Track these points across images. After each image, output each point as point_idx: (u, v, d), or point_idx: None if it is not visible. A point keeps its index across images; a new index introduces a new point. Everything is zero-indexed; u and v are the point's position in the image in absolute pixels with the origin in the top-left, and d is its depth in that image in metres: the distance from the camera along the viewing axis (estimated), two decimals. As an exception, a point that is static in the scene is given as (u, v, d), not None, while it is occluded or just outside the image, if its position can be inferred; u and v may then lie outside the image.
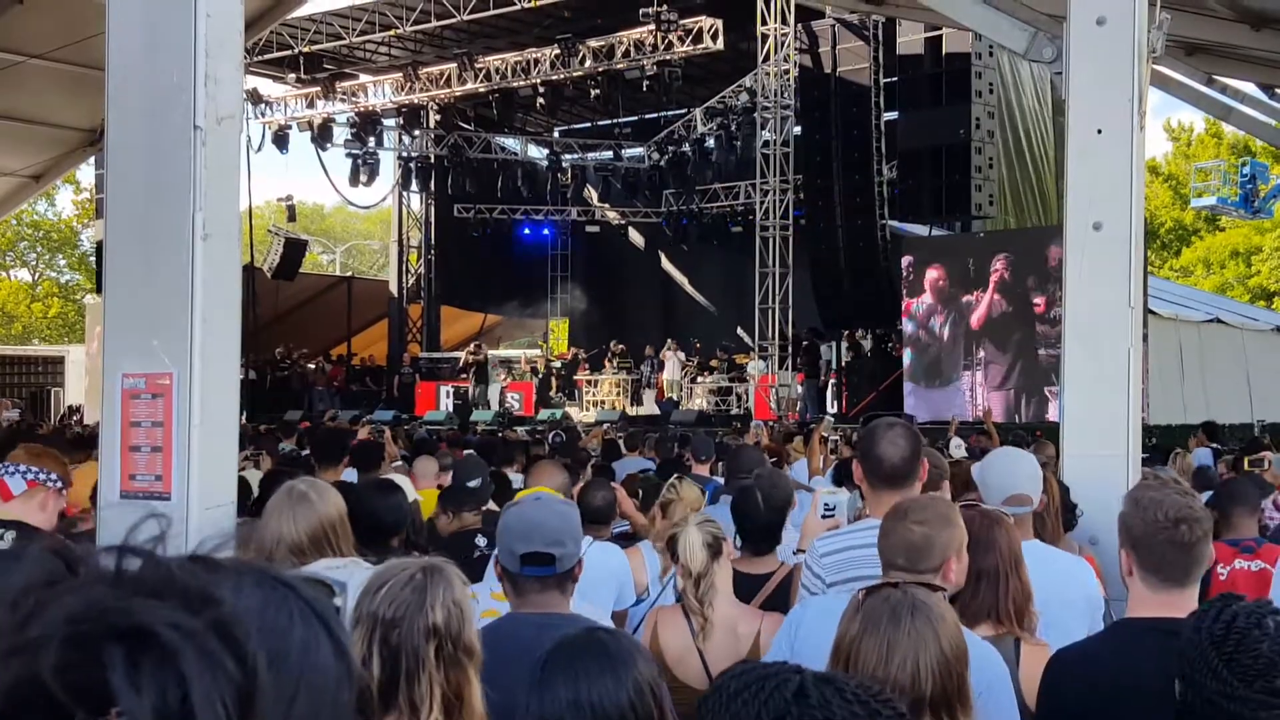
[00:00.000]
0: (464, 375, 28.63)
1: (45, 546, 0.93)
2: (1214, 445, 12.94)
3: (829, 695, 1.35)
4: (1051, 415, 19.87)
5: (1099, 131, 6.19)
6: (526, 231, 34.18)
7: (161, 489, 4.28)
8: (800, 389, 25.34)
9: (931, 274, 22.23)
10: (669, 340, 28.62)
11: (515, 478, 7.90)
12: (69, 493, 4.66)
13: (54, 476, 4.37)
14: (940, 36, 21.62)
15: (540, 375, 29.74)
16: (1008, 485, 4.27)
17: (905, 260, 23.19)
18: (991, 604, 3.42)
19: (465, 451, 10.01)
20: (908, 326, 22.58)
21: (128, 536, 0.92)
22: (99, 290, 25.76)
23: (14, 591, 0.88)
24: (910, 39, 22.51)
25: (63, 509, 4.23)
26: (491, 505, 6.52)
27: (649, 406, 26.90)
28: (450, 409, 26.07)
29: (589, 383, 29.43)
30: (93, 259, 35.49)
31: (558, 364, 31.04)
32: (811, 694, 1.34)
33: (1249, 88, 12.60)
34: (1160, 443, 13.37)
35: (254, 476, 7.95)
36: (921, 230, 25.02)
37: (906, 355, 22.68)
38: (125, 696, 0.80)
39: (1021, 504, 4.23)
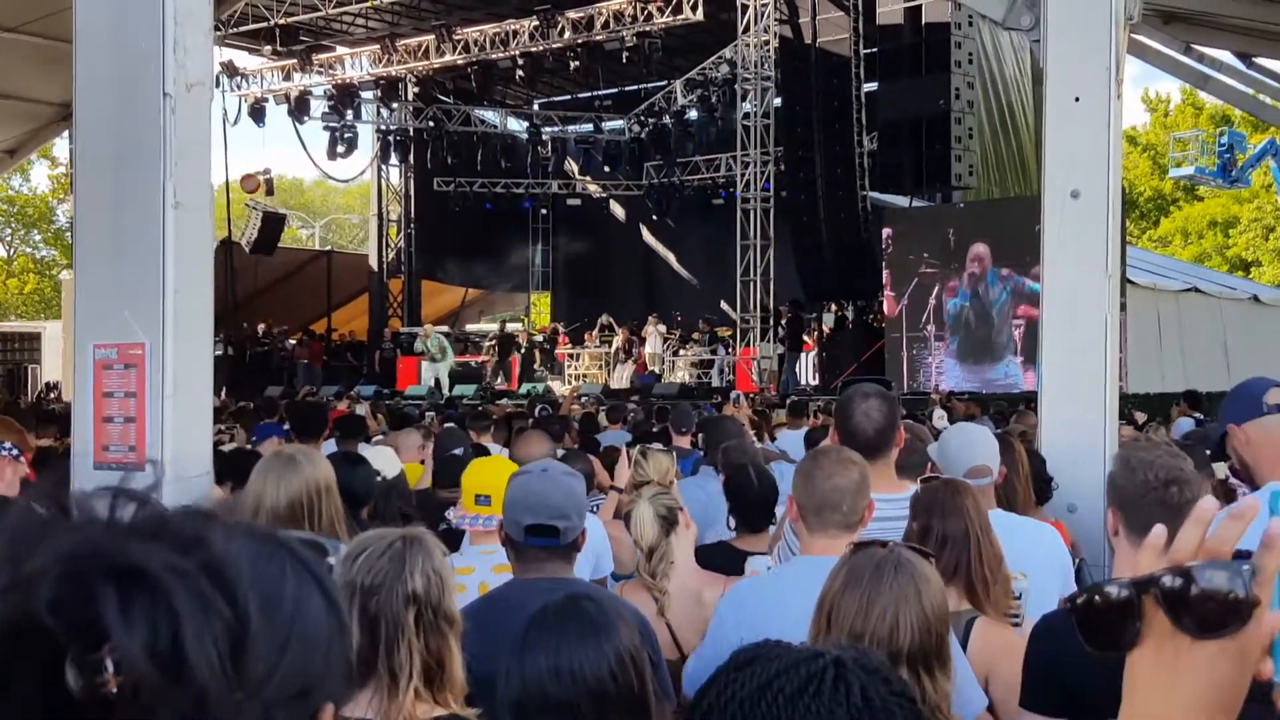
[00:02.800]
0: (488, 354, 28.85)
1: (40, 491, 0.95)
2: (1196, 415, 12.98)
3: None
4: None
5: (1076, 99, 6.18)
6: (507, 205, 34.04)
7: (135, 459, 4.25)
8: (782, 360, 25.38)
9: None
10: (651, 314, 28.61)
11: (494, 448, 7.90)
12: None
13: (8, 445, 4.31)
14: (920, 7, 21.59)
15: (523, 349, 29.69)
16: (966, 458, 4.28)
17: (885, 232, 23.17)
18: (962, 566, 3.44)
19: (445, 424, 10.03)
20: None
21: (122, 483, 0.94)
22: (74, 269, 25.54)
23: (10, 531, 0.90)
24: (890, 9, 22.45)
25: (25, 475, 4.18)
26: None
27: (624, 382, 26.84)
28: (431, 383, 26.02)
29: (571, 356, 29.39)
30: (68, 234, 35.29)
31: (539, 338, 31.01)
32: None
33: (1226, 56, 12.59)
34: (1138, 411, 13.41)
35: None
36: (902, 201, 25.03)
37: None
38: (117, 632, 0.82)
39: (981, 475, 4.25)
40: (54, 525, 0.90)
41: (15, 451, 4.44)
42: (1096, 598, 1.19)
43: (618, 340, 28.27)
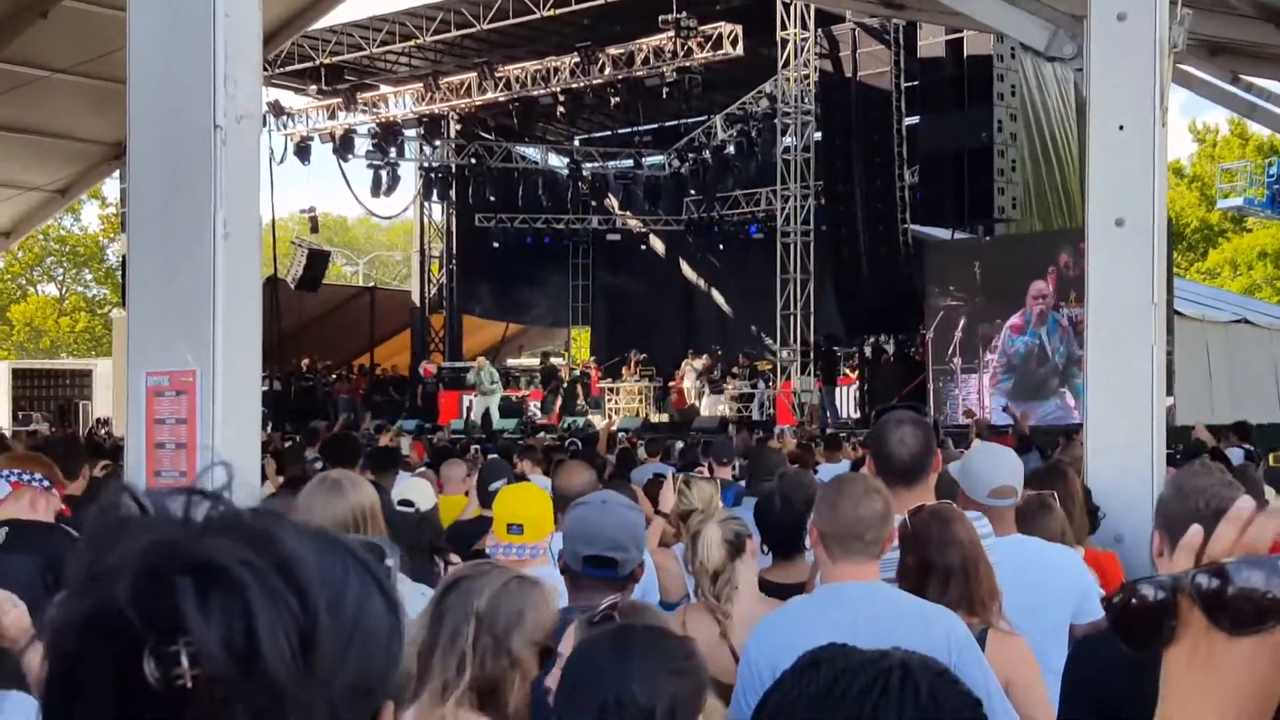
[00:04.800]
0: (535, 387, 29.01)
1: (119, 488, 0.98)
2: (1246, 446, 12.82)
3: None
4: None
5: (1120, 127, 6.17)
6: (547, 241, 34.21)
7: (186, 485, 4.29)
8: (820, 394, 25.31)
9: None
10: (689, 351, 28.64)
11: (536, 478, 7.92)
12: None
13: (38, 477, 4.36)
14: (961, 39, 21.54)
15: (565, 384, 29.77)
16: (992, 478, 4.26)
17: (929, 263, 23.09)
18: (965, 595, 3.44)
19: (490, 457, 10.07)
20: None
21: (196, 481, 0.98)
22: (125, 304, 25.84)
23: (90, 528, 0.94)
24: (931, 42, 22.43)
25: (60, 510, 4.23)
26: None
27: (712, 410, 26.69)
28: (480, 416, 26.12)
29: (610, 390, 29.43)
30: (119, 273, 35.75)
31: (577, 372, 31.10)
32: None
33: (1275, 86, 12.54)
34: (1187, 444, 13.24)
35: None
36: (944, 234, 24.96)
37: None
38: (195, 625, 0.85)
39: (1006, 496, 4.25)
40: (132, 522, 0.93)
41: (47, 483, 4.50)
42: (1133, 598, 1.20)
43: (690, 371, 28.08)
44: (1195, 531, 1.23)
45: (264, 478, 8.82)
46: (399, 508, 5.34)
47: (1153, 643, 1.20)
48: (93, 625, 0.87)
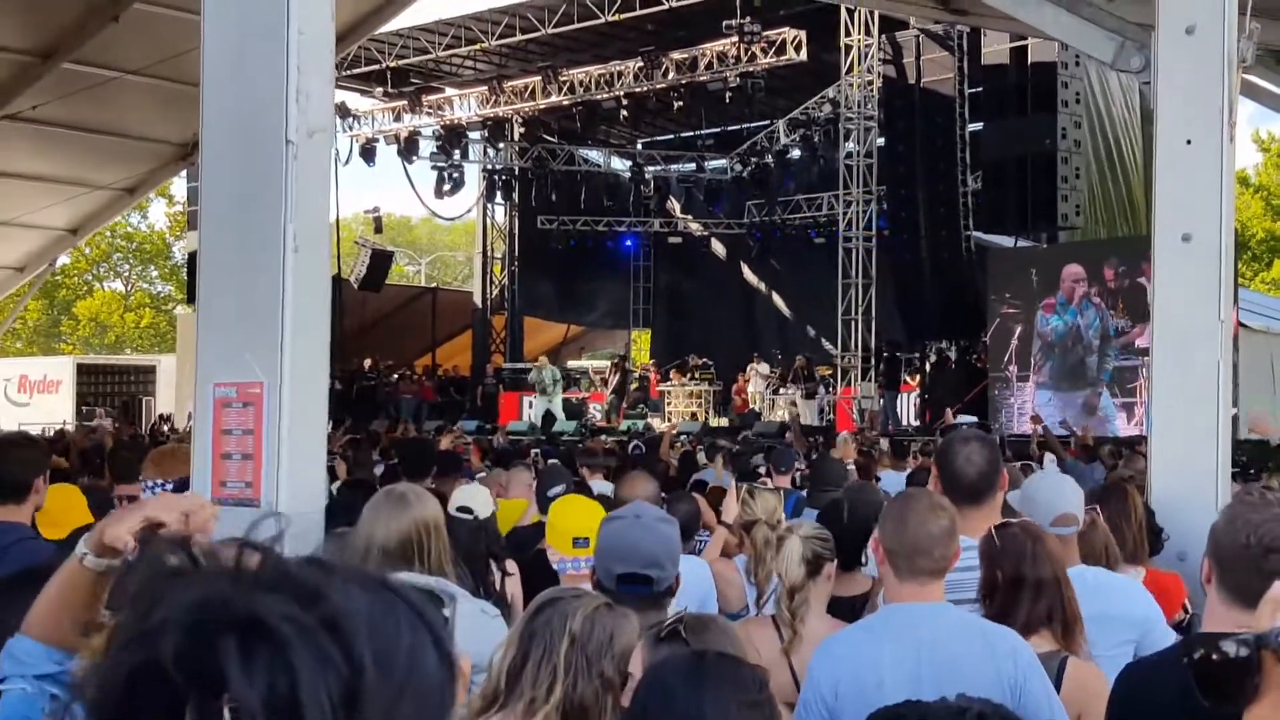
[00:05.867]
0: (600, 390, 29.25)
1: (169, 540, 0.99)
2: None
3: None
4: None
5: (1188, 142, 6.10)
6: (609, 243, 34.30)
7: (251, 495, 4.37)
8: (881, 401, 25.17)
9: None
10: (754, 355, 28.60)
11: (598, 485, 7.93)
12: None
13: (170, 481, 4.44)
14: (1026, 46, 21.35)
15: (628, 387, 29.83)
16: (1056, 505, 4.22)
17: (991, 270, 22.94)
18: (1056, 611, 3.43)
19: (550, 462, 10.09)
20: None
21: (248, 533, 0.97)
22: (190, 301, 26.13)
23: (139, 580, 0.94)
24: (995, 49, 22.25)
25: None
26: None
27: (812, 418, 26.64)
28: (541, 417, 26.23)
29: (666, 393, 29.44)
30: (184, 270, 36.19)
31: (637, 374, 31.14)
32: None
33: (1345, 96, 12.31)
34: (1252, 459, 13.06)
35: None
36: (1007, 242, 24.76)
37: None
38: (237, 684, 0.85)
39: (1068, 524, 4.21)
40: (182, 575, 0.93)
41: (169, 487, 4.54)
42: (1214, 653, 1.19)
43: (756, 375, 27.99)
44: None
45: (334, 477, 8.94)
46: (457, 514, 5.37)
47: (1235, 698, 1.19)
48: (139, 680, 0.87)
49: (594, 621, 2.69)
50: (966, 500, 3.95)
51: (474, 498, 5.57)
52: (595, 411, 28.75)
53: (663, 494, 6.36)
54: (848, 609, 4.49)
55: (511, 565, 5.29)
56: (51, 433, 19.48)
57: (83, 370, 35.22)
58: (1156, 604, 4.11)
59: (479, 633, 3.37)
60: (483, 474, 9.22)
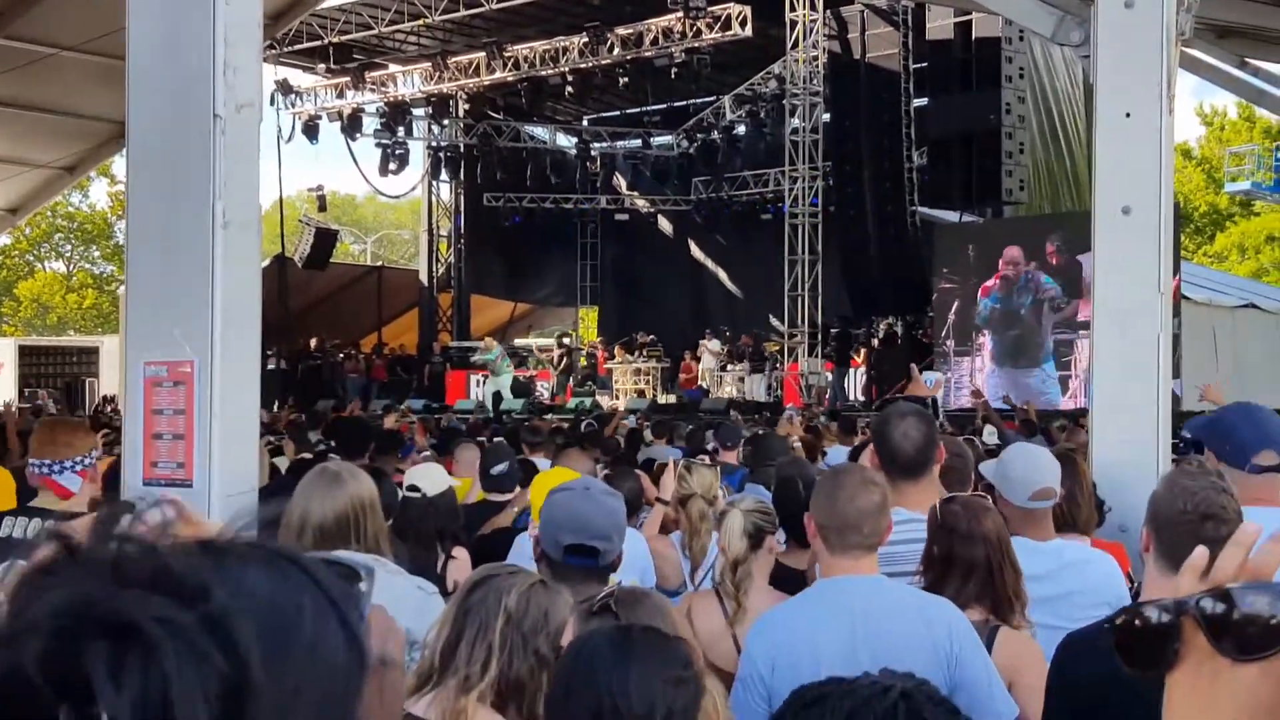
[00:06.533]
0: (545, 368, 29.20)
1: (47, 532, 0.91)
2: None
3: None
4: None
5: (1127, 115, 6.13)
6: (556, 220, 34.19)
7: (184, 476, 4.30)
8: (829, 377, 25.28)
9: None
10: (705, 332, 28.64)
11: (543, 463, 7.90)
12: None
13: (92, 454, 4.31)
14: (970, 21, 21.45)
15: (576, 364, 29.80)
16: (1033, 480, 4.19)
17: (937, 246, 23.11)
18: (985, 592, 3.44)
19: (495, 439, 10.05)
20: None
21: (130, 523, 0.91)
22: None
23: (14, 581, 0.87)
24: (940, 24, 22.35)
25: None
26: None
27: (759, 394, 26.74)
28: (480, 398, 26.14)
29: (616, 370, 29.46)
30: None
31: (585, 353, 31.12)
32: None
33: (1283, 70, 12.44)
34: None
35: (283, 464, 8.00)
36: (952, 217, 24.90)
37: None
38: (105, 693, 0.79)
39: (1047, 498, 4.19)
40: (56, 571, 0.86)
41: (98, 454, 4.43)
42: (1136, 620, 1.19)
43: (707, 353, 27.99)
44: (1200, 553, 1.22)
45: (284, 455, 8.85)
46: (406, 494, 5.32)
47: (1156, 665, 1.19)
48: (5, 690, 0.81)
49: (529, 599, 2.67)
50: (903, 475, 3.98)
51: (425, 476, 5.52)
52: (543, 389, 28.69)
53: (605, 470, 6.34)
54: (799, 581, 4.51)
55: (460, 551, 5.24)
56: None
57: (25, 352, 34.79)
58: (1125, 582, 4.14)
59: (414, 608, 3.33)
60: (426, 453, 9.15)
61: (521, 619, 2.64)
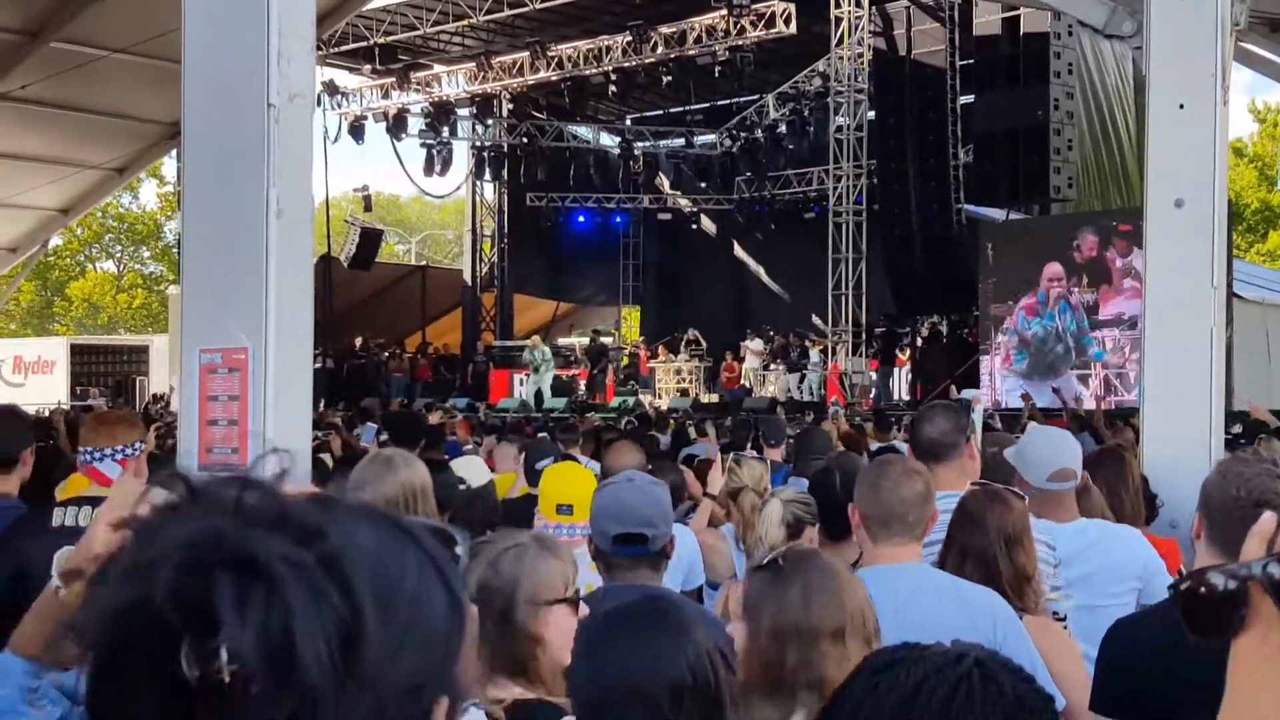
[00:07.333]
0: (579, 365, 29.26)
1: (170, 473, 0.94)
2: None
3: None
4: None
5: (1181, 106, 6.06)
6: (598, 220, 34.24)
7: (238, 461, 4.34)
8: (874, 376, 25.16)
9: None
10: (747, 332, 28.57)
11: (583, 460, 7.91)
12: None
13: (136, 444, 4.38)
14: (1018, 17, 21.26)
15: (616, 363, 29.82)
16: (1051, 461, 4.19)
17: (984, 245, 22.94)
18: (991, 580, 3.42)
19: (539, 434, 10.09)
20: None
21: (251, 469, 0.94)
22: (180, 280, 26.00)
23: (140, 517, 0.91)
24: (987, 20, 22.17)
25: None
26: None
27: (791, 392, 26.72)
28: (532, 395, 26.22)
29: (660, 369, 29.43)
30: (175, 250, 36.21)
31: (627, 351, 31.15)
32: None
33: (1338, 64, 12.27)
34: (1246, 428, 13.04)
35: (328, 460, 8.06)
36: (999, 214, 24.71)
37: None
38: (230, 623, 0.82)
39: (1066, 479, 4.18)
40: (180, 510, 0.90)
41: (142, 446, 4.50)
42: (1202, 586, 1.18)
43: (750, 353, 27.91)
44: (1269, 518, 1.21)
45: (331, 453, 8.92)
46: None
47: (1221, 632, 1.18)
48: (132, 617, 0.85)
49: (490, 577, 2.58)
50: (929, 458, 4.03)
51: (467, 468, 5.59)
52: (585, 389, 28.74)
53: (648, 465, 6.34)
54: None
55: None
56: (47, 413, 19.43)
57: (76, 351, 35.22)
58: (1157, 553, 4.11)
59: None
60: (469, 447, 9.20)
61: (490, 600, 2.55)
